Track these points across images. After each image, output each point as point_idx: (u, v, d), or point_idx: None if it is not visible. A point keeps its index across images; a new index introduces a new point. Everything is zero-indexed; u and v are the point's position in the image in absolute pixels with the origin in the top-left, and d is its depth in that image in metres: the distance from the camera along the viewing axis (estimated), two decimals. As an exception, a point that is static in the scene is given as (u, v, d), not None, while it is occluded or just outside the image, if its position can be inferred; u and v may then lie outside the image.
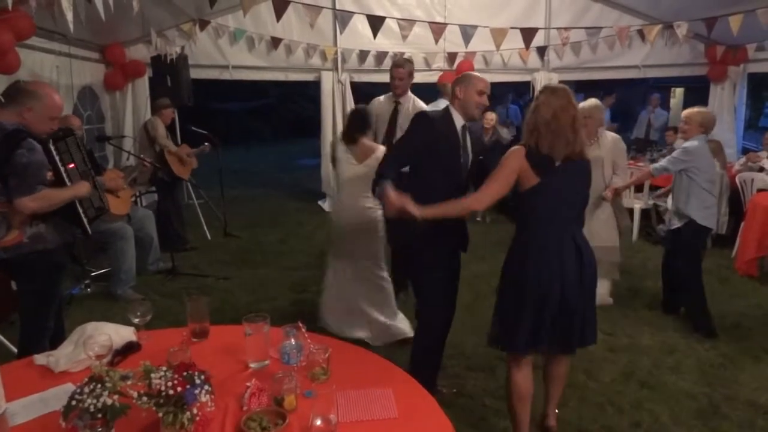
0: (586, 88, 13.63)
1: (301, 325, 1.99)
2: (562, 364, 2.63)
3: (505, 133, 7.15)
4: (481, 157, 2.83)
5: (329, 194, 7.95)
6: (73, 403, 1.43)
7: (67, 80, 5.60)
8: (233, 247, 6.17)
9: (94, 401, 1.41)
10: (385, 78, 4.57)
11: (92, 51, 6.43)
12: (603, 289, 4.22)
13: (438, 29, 6.86)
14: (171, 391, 1.43)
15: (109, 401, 1.42)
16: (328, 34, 7.65)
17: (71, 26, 3.49)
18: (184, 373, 1.49)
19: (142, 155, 5.41)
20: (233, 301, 4.50)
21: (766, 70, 7.86)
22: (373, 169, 3.60)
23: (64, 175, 2.68)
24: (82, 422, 1.40)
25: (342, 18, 6.85)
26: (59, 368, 1.87)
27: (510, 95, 12.21)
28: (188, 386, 1.45)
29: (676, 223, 3.92)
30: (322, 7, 6.50)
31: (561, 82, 7.97)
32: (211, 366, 1.63)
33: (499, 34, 6.89)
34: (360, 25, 6.92)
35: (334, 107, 7.80)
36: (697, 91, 10.67)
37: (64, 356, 1.91)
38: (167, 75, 6.47)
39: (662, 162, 3.97)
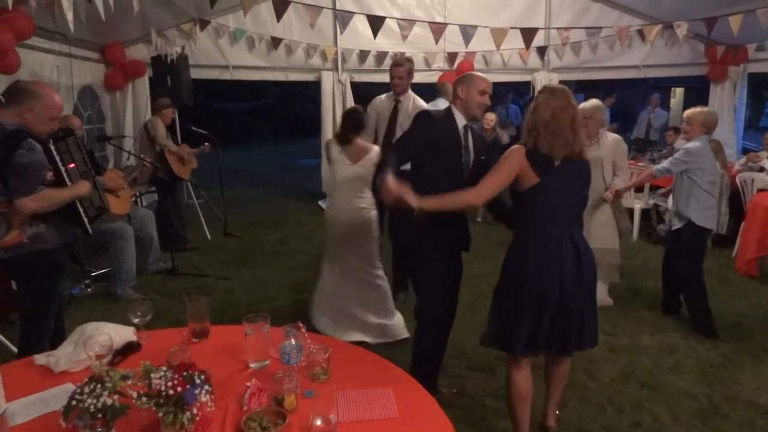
0: (586, 88, 13.64)
1: (301, 325, 2.00)
2: (563, 365, 2.63)
3: (504, 137, 7.15)
4: (482, 157, 2.83)
5: (330, 194, 7.96)
6: (73, 403, 1.43)
7: (67, 80, 5.60)
8: (233, 247, 6.17)
9: (94, 401, 1.41)
10: (385, 78, 4.58)
11: (92, 51, 6.44)
12: (602, 291, 4.22)
13: (438, 29, 6.86)
14: (171, 391, 1.43)
15: (109, 401, 1.42)
16: (328, 34, 7.66)
17: (71, 26, 3.50)
18: (184, 373, 1.49)
19: (142, 155, 5.41)
20: (233, 301, 4.50)
21: (766, 70, 7.86)
22: (368, 170, 3.64)
23: (65, 175, 2.68)
24: (82, 422, 1.40)
25: (342, 18, 6.86)
26: (59, 368, 1.87)
27: (510, 95, 12.21)
28: (188, 386, 1.45)
29: (677, 224, 3.92)
30: (323, 7, 6.51)
31: (561, 82, 7.99)
32: (211, 366, 1.63)
33: (499, 34, 6.90)
34: (360, 25, 6.92)
35: (335, 107, 7.80)
36: (698, 91, 10.68)
37: (64, 356, 1.91)
38: (167, 75, 6.47)
39: (664, 163, 3.96)
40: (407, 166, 2.77)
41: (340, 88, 7.83)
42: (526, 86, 8.42)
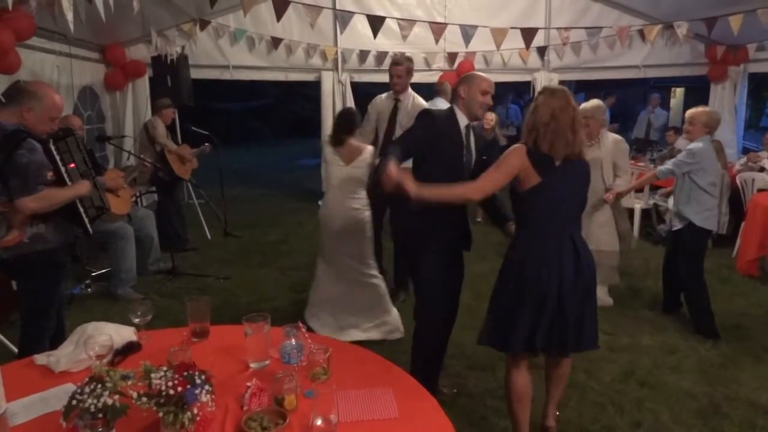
0: (586, 88, 13.65)
1: (301, 325, 2.00)
2: (563, 365, 2.63)
3: (501, 139, 7.15)
4: (484, 157, 2.83)
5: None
6: (74, 403, 1.43)
7: (67, 80, 5.60)
8: (233, 247, 6.17)
9: (95, 401, 1.41)
10: (385, 78, 4.59)
11: (92, 51, 6.44)
12: (602, 291, 4.21)
13: (438, 29, 6.86)
14: (171, 391, 1.43)
15: (110, 401, 1.42)
16: (328, 34, 7.66)
17: (71, 26, 3.50)
18: (185, 373, 1.49)
19: (142, 155, 5.41)
20: (233, 301, 4.50)
21: (766, 70, 7.86)
22: (362, 171, 3.66)
23: (65, 174, 2.68)
24: (83, 422, 1.40)
25: (342, 18, 6.86)
26: (60, 368, 1.87)
27: (510, 95, 12.22)
28: (189, 386, 1.45)
29: (677, 224, 3.91)
30: (323, 7, 6.50)
31: (561, 82, 8.01)
32: (211, 366, 1.63)
33: (499, 34, 6.90)
34: (360, 25, 6.92)
35: (335, 107, 7.80)
36: (698, 91, 10.69)
37: (64, 356, 1.91)
38: (167, 75, 6.48)
39: (668, 164, 3.92)
40: (408, 164, 2.77)
41: (340, 88, 7.83)
42: (526, 86, 8.42)
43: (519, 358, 2.48)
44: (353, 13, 6.82)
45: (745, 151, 7.53)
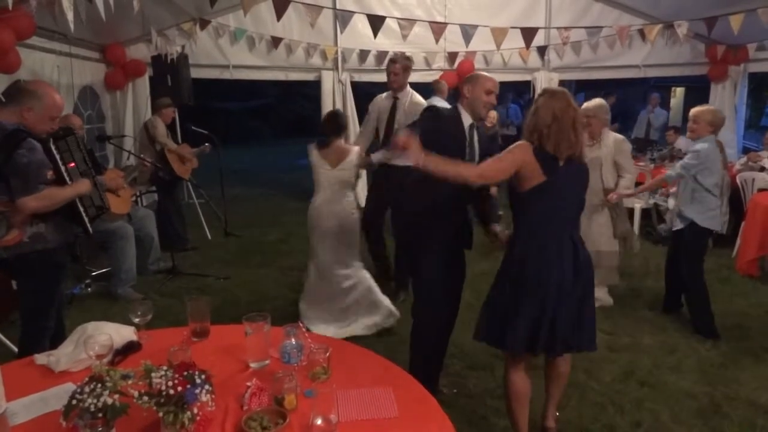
0: (586, 88, 13.65)
1: (301, 324, 2.00)
2: (562, 364, 2.63)
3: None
4: (488, 156, 2.83)
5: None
6: (74, 402, 1.43)
7: (67, 80, 5.60)
8: (233, 246, 6.17)
9: (95, 401, 1.41)
10: (385, 77, 4.59)
11: (93, 50, 6.44)
12: (601, 293, 4.21)
13: (438, 29, 6.85)
14: (171, 391, 1.43)
15: (110, 401, 1.42)
16: (328, 34, 7.65)
17: (72, 26, 3.50)
18: (185, 373, 1.49)
19: (142, 155, 5.41)
20: (233, 301, 4.50)
21: (766, 70, 7.86)
22: (349, 173, 3.73)
23: (65, 174, 2.68)
24: (83, 422, 1.40)
25: (342, 17, 6.85)
26: (60, 368, 1.87)
27: (510, 95, 12.21)
28: (189, 386, 1.45)
29: (679, 225, 3.90)
30: (323, 7, 6.49)
31: (561, 81, 8.01)
32: (211, 365, 1.63)
33: (499, 34, 6.89)
34: (360, 24, 6.91)
35: (335, 107, 7.79)
36: (698, 91, 10.68)
37: (64, 356, 1.91)
38: (168, 74, 6.47)
39: (676, 168, 3.87)
40: (409, 163, 2.77)
41: (340, 87, 7.82)
42: (527, 86, 8.41)
43: (518, 358, 2.48)
44: (353, 12, 6.81)
45: (746, 150, 7.52)
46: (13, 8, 3.41)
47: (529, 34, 6.86)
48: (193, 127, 6.43)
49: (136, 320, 2.11)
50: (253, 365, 1.90)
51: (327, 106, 7.80)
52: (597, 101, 4.09)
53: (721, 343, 3.74)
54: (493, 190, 3.17)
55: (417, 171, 2.70)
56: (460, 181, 2.37)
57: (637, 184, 4.79)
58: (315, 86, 8.08)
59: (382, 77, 4.62)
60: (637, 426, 2.84)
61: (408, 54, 5.95)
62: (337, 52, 7.66)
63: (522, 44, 7.02)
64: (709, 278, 4.05)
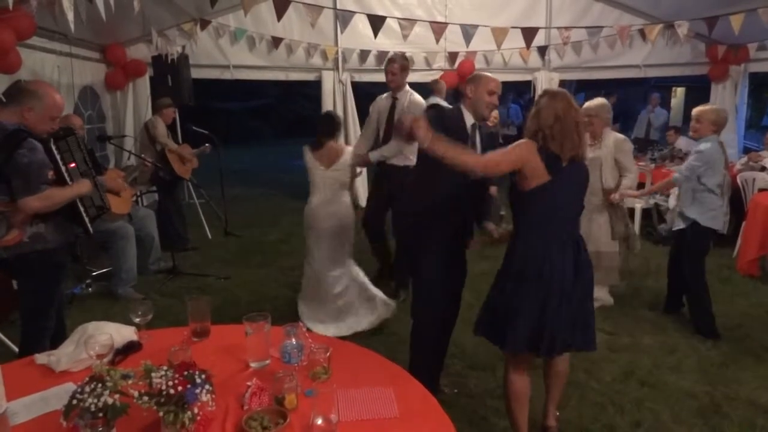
0: (587, 88, 13.65)
1: (301, 324, 2.00)
2: (561, 362, 2.63)
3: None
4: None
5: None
6: (74, 402, 1.43)
7: (68, 80, 5.60)
8: (234, 246, 6.17)
9: (95, 400, 1.41)
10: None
11: (93, 51, 6.44)
12: (601, 293, 4.20)
13: (439, 29, 6.85)
14: (172, 391, 1.43)
15: (110, 400, 1.43)
16: (328, 34, 7.65)
17: (72, 26, 3.50)
18: (185, 373, 1.49)
19: (142, 155, 5.41)
20: (234, 301, 4.50)
21: (767, 70, 7.85)
22: (343, 173, 3.75)
23: (65, 174, 2.68)
24: (83, 421, 1.40)
25: (343, 17, 6.85)
26: (60, 367, 1.87)
27: (510, 95, 12.22)
28: (189, 385, 1.46)
29: (680, 224, 3.89)
30: (323, 7, 6.49)
31: (562, 81, 8.01)
32: (211, 365, 1.64)
33: (499, 34, 6.89)
34: (361, 24, 6.91)
35: (335, 107, 7.80)
36: (698, 91, 10.68)
37: (65, 355, 1.91)
38: (168, 74, 6.47)
39: (682, 171, 3.83)
40: (410, 162, 2.77)
41: (340, 87, 7.82)
42: (527, 86, 8.41)
43: (518, 358, 2.48)
44: (354, 12, 6.81)
45: (746, 150, 7.52)
46: (14, 8, 3.42)
47: (529, 34, 6.86)
48: (193, 127, 6.43)
49: (137, 320, 2.11)
50: (253, 365, 1.90)
51: (327, 106, 7.81)
52: (599, 100, 4.07)
53: (721, 342, 3.74)
54: (493, 190, 3.17)
55: (422, 153, 2.69)
56: (463, 169, 2.36)
57: (638, 184, 4.77)
58: (315, 86, 8.07)
59: (382, 77, 4.62)
60: (637, 426, 2.84)
61: (408, 54, 5.96)
62: (337, 52, 7.66)
63: (522, 44, 7.02)
64: (710, 278, 4.04)
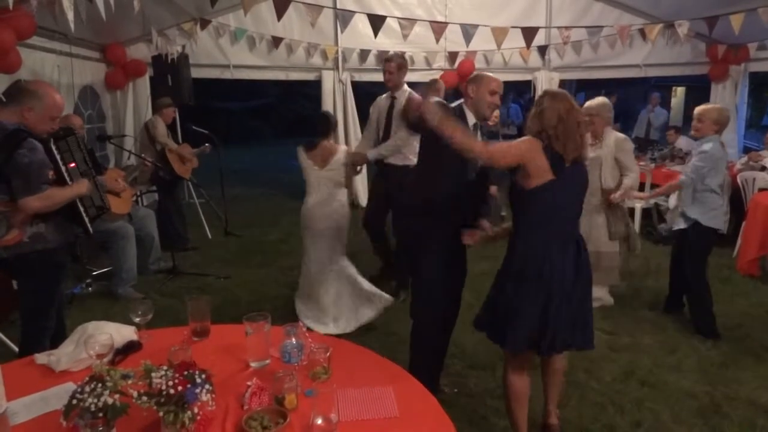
0: (587, 88, 13.65)
1: (301, 324, 2.00)
2: (558, 360, 2.63)
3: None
4: None
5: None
6: (74, 402, 1.43)
7: (68, 80, 5.60)
8: (234, 246, 6.17)
9: (95, 400, 1.41)
10: (386, 77, 4.60)
11: (93, 50, 6.43)
12: (601, 292, 4.20)
13: (439, 28, 6.85)
14: (172, 390, 1.43)
15: (110, 400, 1.43)
16: (329, 34, 7.65)
17: (72, 25, 3.50)
18: (185, 373, 1.49)
19: (143, 154, 5.41)
20: (234, 301, 4.50)
21: (767, 69, 7.85)
22: (337, 173, 3.77)
23: (66, 174, 2.68)
24: (83, 421, 1.40)
25: (343, 17, 6.85)
26: (60, 367, 1.87)
27: (511, 94, 12.21)
28: (189, 385, 1.46)
29: (681, 224, 3.88)
30: (323, 7, 6.49)
31: (562, 81, 8.00)
32: (211, 365, 1.64)
33: (500, 34, 6.89)
34: (361, 24, 6.91)
35: (335, 107, 7.80)
36: (699, 90, 10.69)
37: (65, 355, 1.91)
38: (168, 74, 6.47)
39: (688, 173, 3.80)
40: (410, 162, 2.77)
41: (340, 87, 7.83)
42: (527, 85, 8.41)
43: (518, 357, 2.48)
44: (354, 12, 6.81)
45: (746, 150, 7.52)
46: (14, 8, 3.41)
47: (529, 33, 6.85)
48: (193, 127, 6.43)
49: (137, 320, 2.11)
50: (253, 365, 1.90)
51: (327, 106, 7.81)
52: (600, 100, 4.06)
53: (721, 342, 3.74)
54: (493, 190, 3.16)
55: (422, 152, 2.67)
56: (468, 153, 2.35)
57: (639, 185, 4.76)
58: (315, 86, 8.07)
59: (382, 77, 4.63)
60: (637, 426, 2.84)
61: (408, 54, 5.96)
62: (337, 52, 7.66)
63: (522, 44, 7.01)
64: (710, 278, 4.04)
